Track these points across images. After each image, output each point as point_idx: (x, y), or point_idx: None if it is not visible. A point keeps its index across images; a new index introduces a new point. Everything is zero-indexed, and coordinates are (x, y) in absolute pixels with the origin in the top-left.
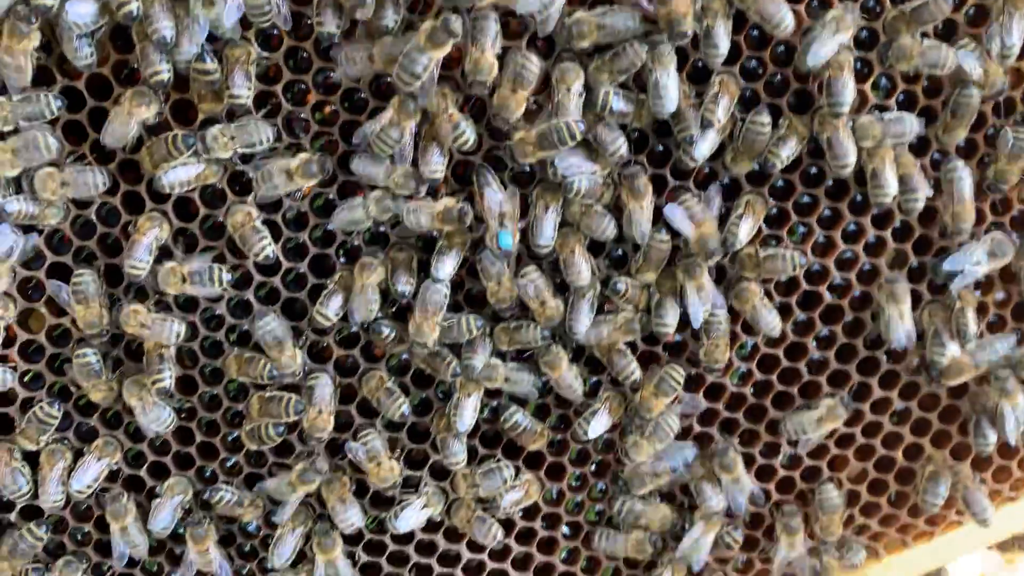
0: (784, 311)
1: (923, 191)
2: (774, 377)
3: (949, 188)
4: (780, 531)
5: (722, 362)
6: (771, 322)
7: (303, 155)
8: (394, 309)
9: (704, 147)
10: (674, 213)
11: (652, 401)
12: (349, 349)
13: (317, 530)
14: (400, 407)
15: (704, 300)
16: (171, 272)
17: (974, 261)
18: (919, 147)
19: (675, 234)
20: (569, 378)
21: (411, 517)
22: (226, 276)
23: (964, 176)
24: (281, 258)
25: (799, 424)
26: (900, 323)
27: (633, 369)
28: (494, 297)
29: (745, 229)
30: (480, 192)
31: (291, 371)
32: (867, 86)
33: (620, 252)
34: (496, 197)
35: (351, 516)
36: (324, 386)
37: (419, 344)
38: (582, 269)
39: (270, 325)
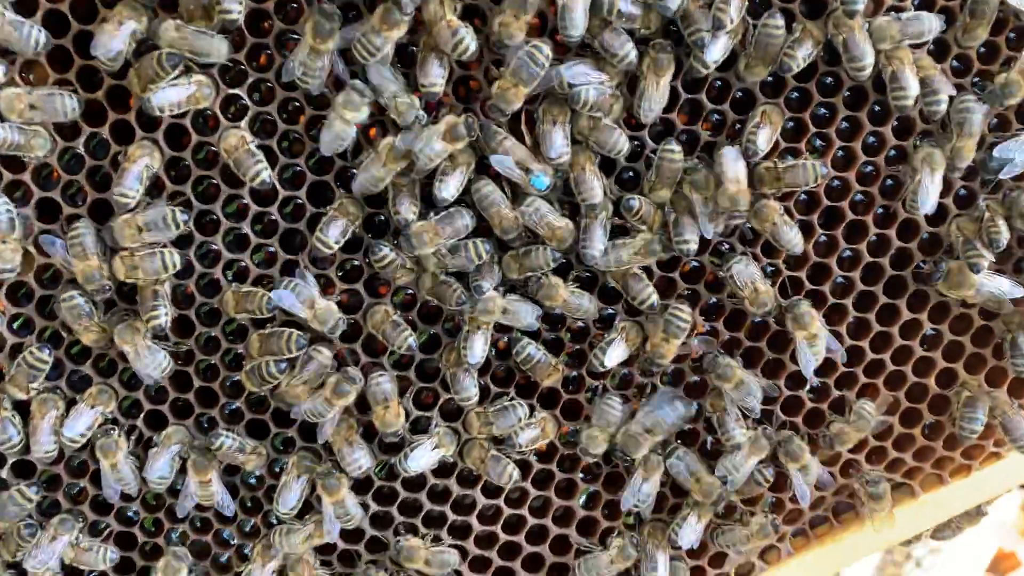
0: (805, 231)
1: (945, 92)
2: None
3: (959, 119)
4: (783, 458)
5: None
6: (792, 239)
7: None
8: (396, 241)
9: (716, 50)
10: None
11: (664, 347)
12: (352, 283)
13: (319, 472)
14: (407, 339)
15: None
16: (126, 224)
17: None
18: (938, 53)
19: (686, 151)
20: (574, 301)
21: (422, 457)
22: (181, 217)
23: (976, 110)
24: (277, 185)
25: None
26: (931, 189)
27: (650, 293)
28: (498, 228)
29: (764, 137)
30: (492, 148)
31: (393, 431)
32: None
33: (631, 174)
34: (507, 145)
35: (359, 458)
36: (386, 382)
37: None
38: (594, 186)
39: (382, 383)
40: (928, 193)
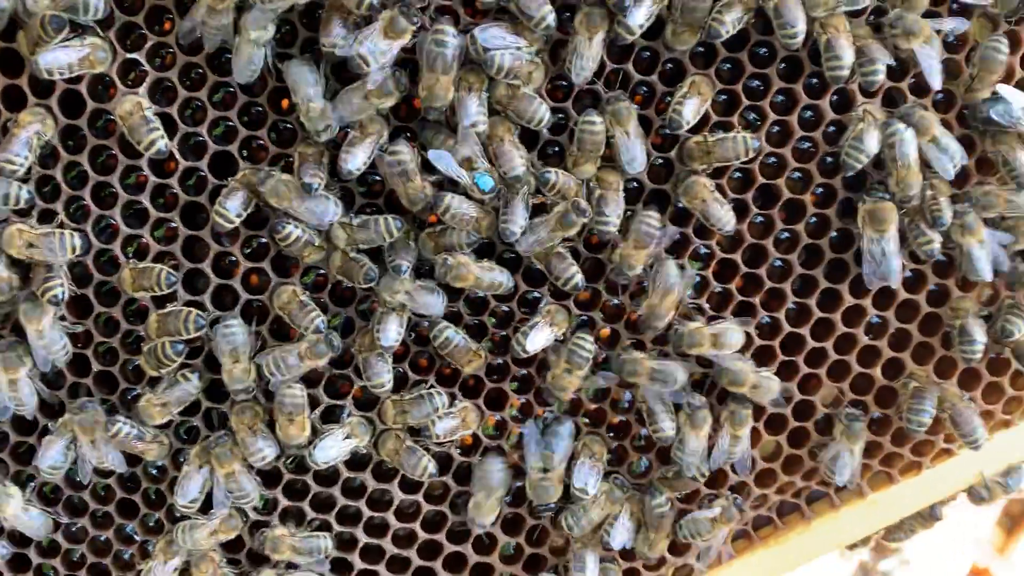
0: (740, 211)
1: (883, 61)
2: (733, 286)
3: (892, 153)
4: (684, 423)
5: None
6: (723, 217)
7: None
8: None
9: (639, 14)
10: None
11: (565, 379)
12: (258, 262)
13: (209, 440)
14: (314, 320)
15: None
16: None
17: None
18: (877, 27)
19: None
20: (487, 277)
21: (331, 448)
22: (75, 242)
23: (908, 139)
24: (176, 154)
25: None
26: (890, 251)
27: (574, 273)
28: (404, 197)
29: (690, 108)
30: (431, 144)
31: (243, 387)
32: None
33: (556, 149)
34: (449, 142)
35: (263, 449)
36: (295, 395)
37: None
38: (514, 157)
39: (234, 331)
40: (891, 262)
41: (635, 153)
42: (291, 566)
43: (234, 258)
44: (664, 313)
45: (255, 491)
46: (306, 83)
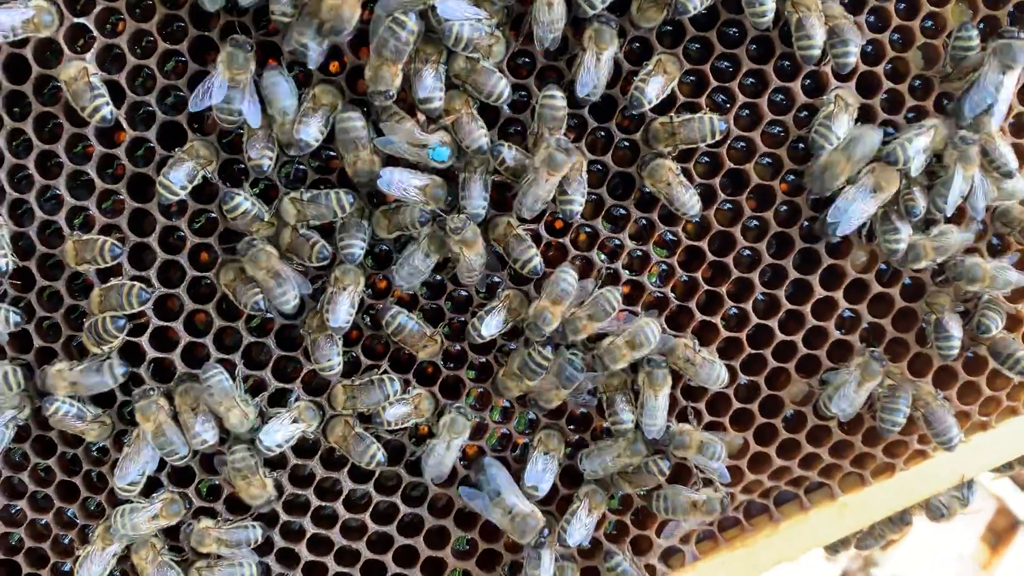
0: (707, 197)
1: (856, 41)
2: (699, 275)
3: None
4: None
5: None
6: (688, 201)
7: None
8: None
9: None
10: None
11: (509, 382)
12: (205, 237)
13: (135, 393)
14: (255, 297)
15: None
16: None
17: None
18: (854, 7)
19: (575, 103)
20: (417, 263)
21: (278, 431)
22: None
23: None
24: (123, 122)
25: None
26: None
27: (532, 255)
28: (351, 168)
29: (653, 87)
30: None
31: (262, 502)
32: None
33: (518, 128)
34: (395, 125)
35: (202, 432)
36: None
37: None
38: (474, 130)
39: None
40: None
41: (596, 80)
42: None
43: (182, 233)
44: (551, 319)
45: (182, 445)
46: (282, 95)
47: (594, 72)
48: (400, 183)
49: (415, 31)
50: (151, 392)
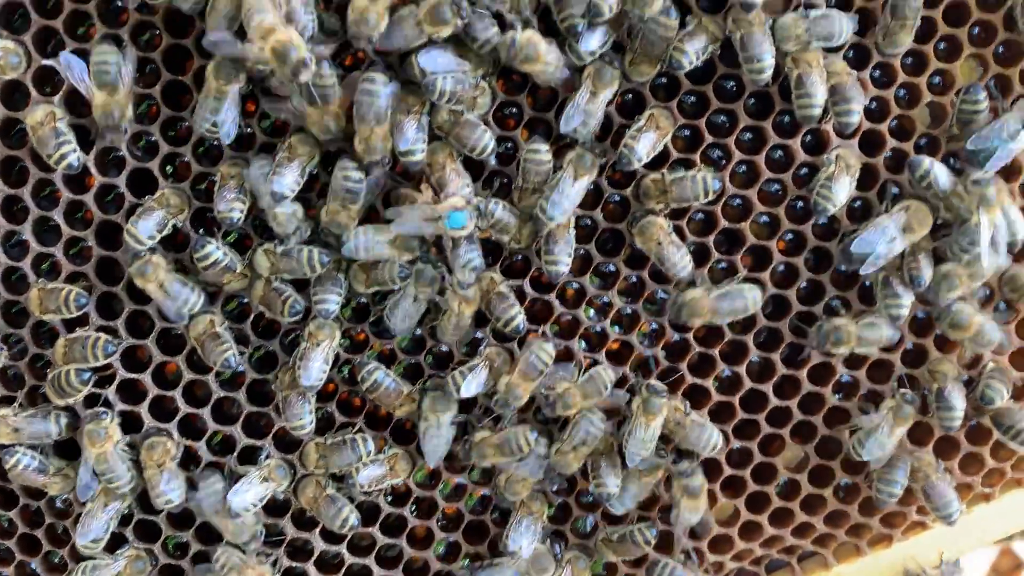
0: (700, 255)
1: (858, 102)
2: (691, 336)
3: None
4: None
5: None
6: (679, 262)
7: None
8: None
9: (592, 40)
10: None
11: (487, 449)
12: None
13: (87, 415)
14: (225, 354)
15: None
16: None
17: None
18: (858, 62)
19: (559, 149)
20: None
21: (247, 492)
22: None
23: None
24: (92, 168)
25: None
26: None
27: (515, 314)
28: (328, 216)
29: (644, 144)
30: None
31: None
32: None
33: (503, 180)
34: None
35: (169, 491)
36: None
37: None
38: (459, 187)
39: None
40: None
41: (584, 116)
42: None
43: None
44: (521, 396)
45: (127, 476)
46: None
47: (583, 108)
48: (366, 246)
49: (390, 93)
50: (103, 416)
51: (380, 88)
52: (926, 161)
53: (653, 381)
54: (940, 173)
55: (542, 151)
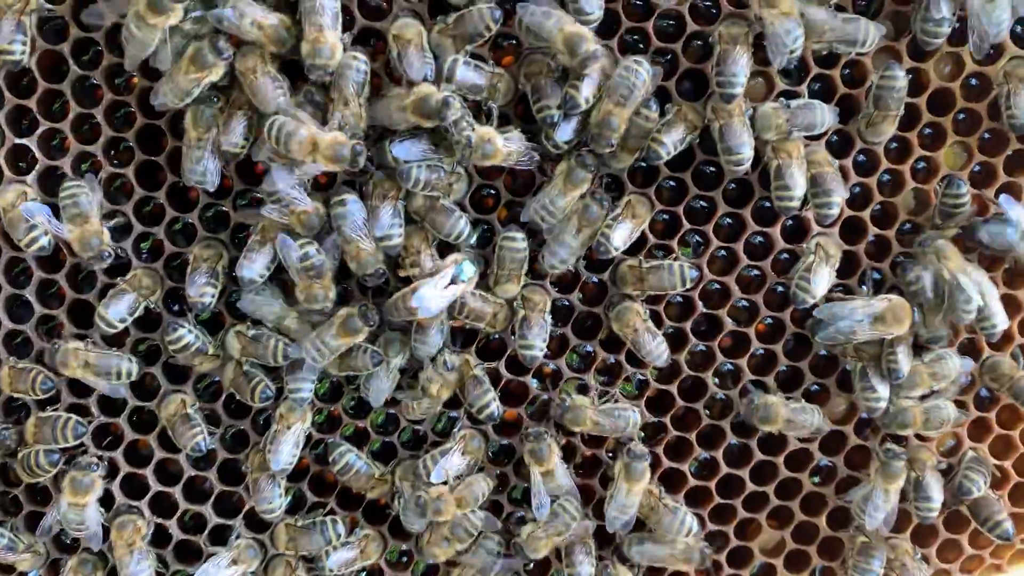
0: (677, 340)
1: (839, 194)
2: (668, 420)
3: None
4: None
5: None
6: (654, 350)
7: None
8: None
9: (568, 130)
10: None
11: (435, 549)
12: (149, 365)
13: (75, 463)
14: (195, 438)
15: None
16: None
17: None
18: (841, 148)
19: (533, 233)
20: (381, 382)
21: (215, 575)
22: None
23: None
24: (64, 248)
25: None
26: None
27: (489, 401)
28: (354, 262)
29: (621, 234)
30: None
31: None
32: (773, 69)
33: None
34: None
35: (139, 571)
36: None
37: None
38: (428, 266)
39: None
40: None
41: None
42: None
43: None
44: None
45: (96, 526)
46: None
47: (548, 203)
48: (311, 373)
49: (359, 206)
50: (93, 467)
51: (351, 206)
52: (918, 268)
53: (635, 445)
54: (928, 282)
55: (518, 238)
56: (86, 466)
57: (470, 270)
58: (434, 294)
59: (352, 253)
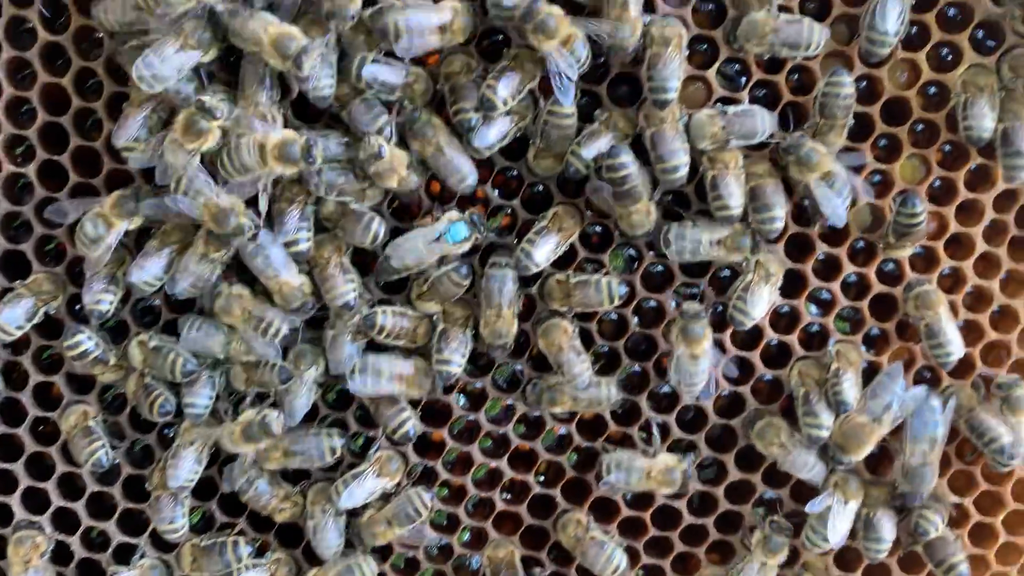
0: (612, 360)
1: (780, 208)
2: (598, 445)
3: None
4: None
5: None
6: (575, 370)
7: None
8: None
9: (489, 135)
10: None
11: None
12: (50, 375)
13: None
14: (94, 453)
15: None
16: None
17: None
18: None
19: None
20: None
21: None
22: None
23: None
24: None
25: None
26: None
27: (404, 420)
28: (277, 295)
29: (544, 249)
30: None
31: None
32: (711, 73)
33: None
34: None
35: None
36: None
37: None
38: (338, 284)
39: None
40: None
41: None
42: None
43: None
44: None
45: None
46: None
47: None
48: (208, 388)
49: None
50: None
51: (269, 248)
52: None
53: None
54: None
55: (461, 278)
56: (27, 525)
57: (462, 231)
58: (412, 246)
59: (274, 288)
